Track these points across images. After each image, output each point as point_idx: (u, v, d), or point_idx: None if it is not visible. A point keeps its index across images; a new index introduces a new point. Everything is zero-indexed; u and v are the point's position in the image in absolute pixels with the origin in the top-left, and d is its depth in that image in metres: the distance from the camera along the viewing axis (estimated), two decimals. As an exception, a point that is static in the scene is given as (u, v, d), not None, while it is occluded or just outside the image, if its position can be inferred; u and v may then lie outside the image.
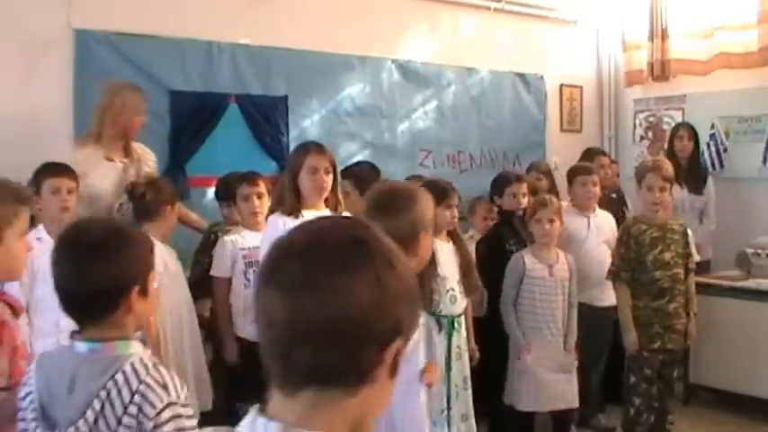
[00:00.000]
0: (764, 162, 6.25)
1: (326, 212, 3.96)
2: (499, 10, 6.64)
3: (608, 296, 4.92)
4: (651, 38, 7.01)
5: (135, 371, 1.83)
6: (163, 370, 1.87)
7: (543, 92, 6.99)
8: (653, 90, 7.16)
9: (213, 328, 4.38)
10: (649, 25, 7.03)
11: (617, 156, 7.12)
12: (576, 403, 4.73)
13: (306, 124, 5.56)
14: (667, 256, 4.67)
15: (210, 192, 4.95)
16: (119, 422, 1.80)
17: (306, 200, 3.89)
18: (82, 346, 1.87)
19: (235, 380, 4.20)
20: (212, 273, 4.35)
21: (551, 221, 4.56)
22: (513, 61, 6.76)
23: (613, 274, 4.76)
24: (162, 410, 1.80)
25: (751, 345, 5.22)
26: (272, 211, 3.98)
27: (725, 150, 6.55)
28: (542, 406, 4.61)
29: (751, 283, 5.76)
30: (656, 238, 4.67)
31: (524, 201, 4.99)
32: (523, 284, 4.54)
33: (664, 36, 6.95)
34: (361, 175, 4.81)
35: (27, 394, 1.91)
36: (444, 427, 4.07)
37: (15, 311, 2.22)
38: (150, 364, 1.86)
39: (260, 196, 4.40)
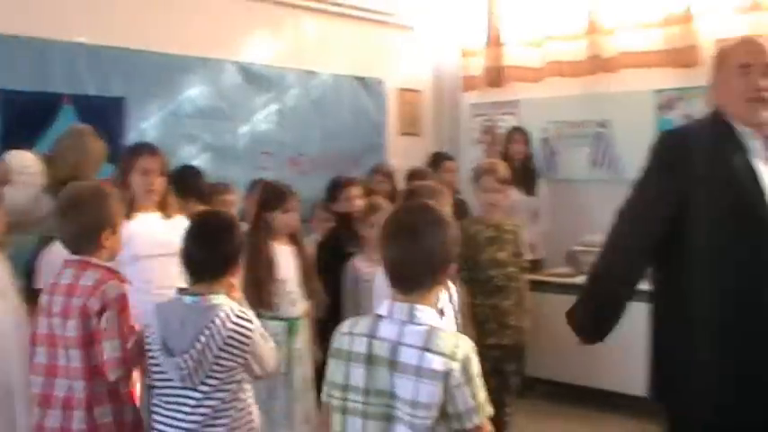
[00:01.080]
0: (592, 164, 6.55)
1: (157, 215, 3.90)
2: (339, 14, 6.68)
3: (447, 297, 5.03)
4: (487, 45, 7.24)
5: (227, 315, 2.72)
6: (245, 310, 2.81)
7: (383, 96, 7.09)
8: (489, 95, 7.37)
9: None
10: (486, 33, 7.25)
11: (455, 159, 7.29)
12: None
13: (144, 126, 5.42)
14: (502, 255, 4.81)
15: (45, 195, 4.76)
16: (219, 349, 2.68)
17: (137, 202, 3.81)
18: (187, 299, 2.80)
19: None
20: (37, 285, 4.15)
21: None
22: (354, 65, 6.83)
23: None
24: (249, 338, 2.74)
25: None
26: None
27: (556, 153, 6.83)
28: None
29: (580, 280, 6.03)
30: (491, 238, 4.81)
31: (359, 203, 5.04)
32: (359, 289, 4.53)
33: (498, 43, 7.19)
34: (182, 175, 4.75)
35: (151, 333, 2.79)
36: (285, 428, 4.08)
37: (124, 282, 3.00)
38: (236, 308, 2.77)
39: None
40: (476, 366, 2.21)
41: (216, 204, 4.90)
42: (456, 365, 2.14)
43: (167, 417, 2.74)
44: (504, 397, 4.96)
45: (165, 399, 2.76)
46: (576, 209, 6.51)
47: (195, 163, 5.40)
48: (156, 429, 2.77)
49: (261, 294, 4.14)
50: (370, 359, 2.20)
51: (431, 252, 2.24)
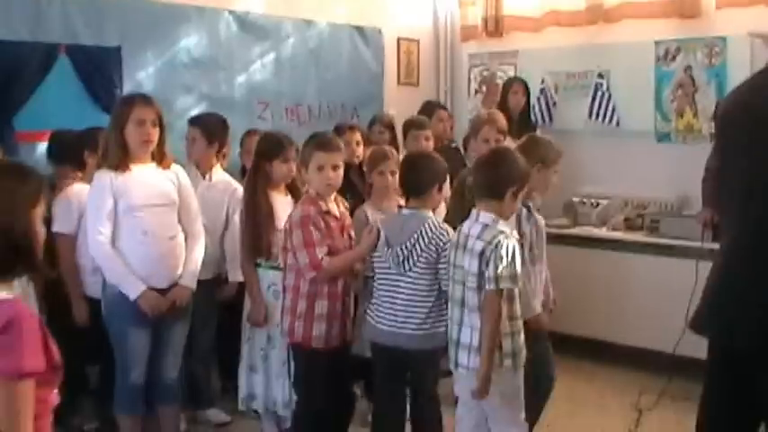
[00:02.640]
0: (590, 116, 6.52)
1: (153, 166, 3.89)
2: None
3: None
4: (486, -6, 7.18)
5: (434, 223, 3.68)
6: (444, 224, 3.73)
7: (381, 45, 7.03)
8: (487, 45, 7.32)
9: (55, 287, 4.19)
10: (485, -19, 7.19)
11: (452, 109, 7.26)
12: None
13: (140, 77, 5.39)
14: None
15: (41, 147, 4.76)
16: (426, 246, 3.61)
17: (132, 153, 3.80)
18: (406, 212, 3.77)
19: (76, 339, 4.02)
20: (55, 229, 4.16)
21: (393, 173, 4.60)
22: (352, 14, 6.77)
23: (449, 224, 4.89)
24: (447, 241, 3.57)
25: (578, 288, 5.49)
26: (98, 167, 3.86)
27: (554, 104, 6.80)
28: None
29: (577, 231, 6.08)
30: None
31: (359, 150, 5.03)
32: None
33: (497, -8, 7.14)
34: (211, 124, 4.78)
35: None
36: (284, 377, 4.11)
37: None
38: (439, 220, 3.76)
39: None
40: (506, 251, 3.24)
41: None
42: (489, 248, 3.26)
43: (384, 297, 3.74)
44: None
45: (382, 283, 3.76)
46: (573, 160, 6.48)
47: (192, 113, 5.38)
48: (374, 306, 3.79)
49: (260, 243, 4.16)
50: (456, 245, 3.44)
51: (497, 179, 3.40)
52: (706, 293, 2.95)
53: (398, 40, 7.26)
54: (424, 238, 3.64)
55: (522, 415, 3.46)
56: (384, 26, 7.05)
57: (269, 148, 4.27)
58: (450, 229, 3.65)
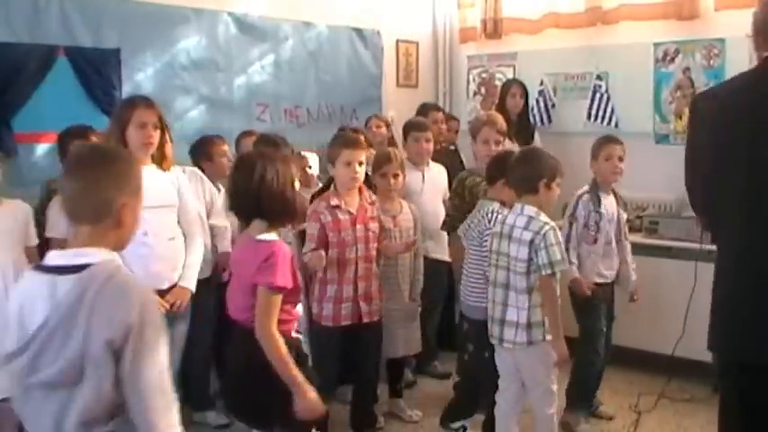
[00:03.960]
0: (589, 117, 6.53)
1: (154, 168, 3.90)
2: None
3: (443, 248, 5.06)
4: (485, -4, 7.19)
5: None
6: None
7: (380, 47, 7.04)
8: (486, 47, 7.33)
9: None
10: (483, -16, 7.19)
11: (451, 111, 7.28)
12: (419, 348, 4.90)
13: (139, 78, 5.38)
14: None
15: (40, 148, 4.76)
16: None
17: (133, 155, 3.80)
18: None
19: None
20: (48, 234, 4.18)
21: (396, 176, 4.62)
22: (351, 16, 6.77)
23: (448, 225, 4.90)
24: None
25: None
26: None
27: (552, 106, 6.82)
28: (388, 353, 4.71)
29: (576, 233, 6.07)
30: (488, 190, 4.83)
31: None
32: None
33: (496, -5, 7.15)
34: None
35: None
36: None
37: None
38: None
39: None
40: (553, 239, 3.72)
41: (215, 157, 4.92)
42: (538, 237, 3.71)
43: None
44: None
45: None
46: (572, 162, 6.49)
47: (191, 115, 5.38)
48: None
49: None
50: (500, 235, 3.88)
51: (528, 175, 3.85)
52: (722, 308, 2.78)
53: (397, 41, 7.27)
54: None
55: (555, 385, 3.95)
56: (383, 28, 7.05)
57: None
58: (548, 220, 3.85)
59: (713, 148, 2.73)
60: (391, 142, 5.91)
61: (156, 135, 3.84)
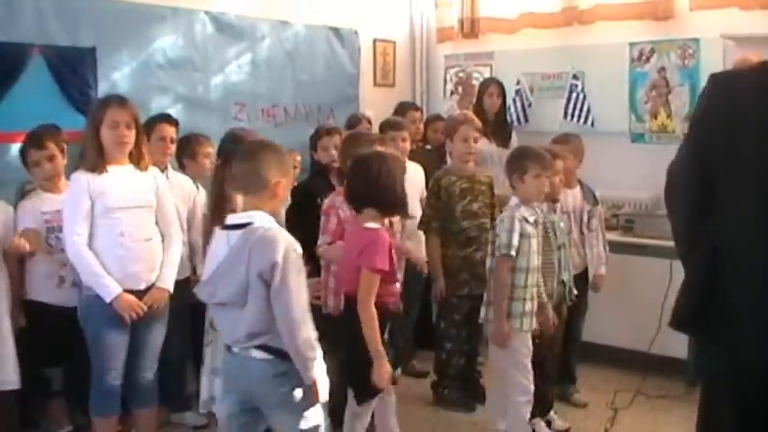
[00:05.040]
0: (565, 116, 6.56)
1: (131, 168, 3.89)
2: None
3: (421, 248, 5.06)
4: (462, -5, 7.21)
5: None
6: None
7: (357, 47, 7.03)
8: (463, 47, 7.35)
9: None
10: (460, -17, 7.21)
11: (428, 110, 7.29)
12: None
13: (116, 77, 5.34)
14: (475, 206, 4.87)
15: (14, 148, 4.71)
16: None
17: (108, 155, 3.81)
18: None
19: (36, 345, 4.12)
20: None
21: None
22: (328, 16, 6.75)
23: (425, 224, 4.92)
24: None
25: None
26: (76, 168, 3.85)
27: (529, 105, 6.85)
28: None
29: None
30: (464, 189, 4.86)
31: (335, 153, 5.02)
32: None
33: (473, -6, 7.17)
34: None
35: None
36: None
37: None
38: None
39: (51, 159, 4.25)
40: (503, 225, 4.11)
41: (198, 157, 4.90)
42: (498, 222, 4.21)
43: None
44: (477, 346, 5.05)
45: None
46: (549, 161, 6.55)
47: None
48: None
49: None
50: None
51: (507, 172, 4.26)
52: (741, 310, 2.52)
53: (374, 41, 7.26)
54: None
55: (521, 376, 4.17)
56: (360, 27, 7.04)
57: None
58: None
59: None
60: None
61: (131, 134, 3.83)
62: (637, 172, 6.00)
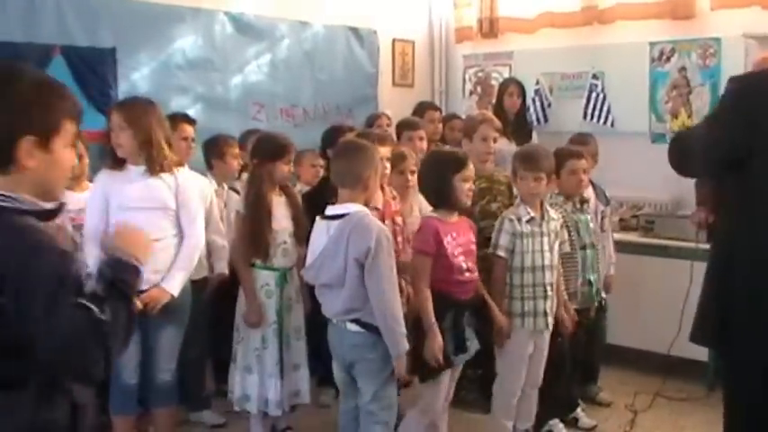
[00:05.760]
0: (585, 117, 6.54)
1: (142, 170, 3.89)
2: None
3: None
4: (481, -5, 7.19)
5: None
6: None
7: (376, 46, 7.04)
8: (482, 46, 7.34)
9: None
10: (480, -17, 7.19)
11: (447, 110, 7.27)
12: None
13: (135, 77, 5.38)
14: (494, 206, 4.82)
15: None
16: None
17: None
18: None
19: None
20: None
21: (413, 172, 4.57)
22: (347, 16, 6.76)
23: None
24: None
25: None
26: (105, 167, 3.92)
27: (549, 105, 6.82)
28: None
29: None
30: (483, 189, 4.82)
31: None
32: None
33: (492, -6, 7.15)
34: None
35: None
36: (276, 377, 4.12)
37: None
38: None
39: (79, 158, 4.24)
40: (503, 226, 4.14)
41: (226, 157, 4.91)
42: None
43: None
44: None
45: None
46: (568, 161, 6.52)
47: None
48: None
49: (259, 245, 4.14)
50: None
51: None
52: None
53: (393, 41, 7.27)
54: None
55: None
56: (379, 27, 7.05)
57: (273, 149, 4.23)
58: None
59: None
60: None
61: (124, 137, 3.78)
62: (657, 173, 5.90)
